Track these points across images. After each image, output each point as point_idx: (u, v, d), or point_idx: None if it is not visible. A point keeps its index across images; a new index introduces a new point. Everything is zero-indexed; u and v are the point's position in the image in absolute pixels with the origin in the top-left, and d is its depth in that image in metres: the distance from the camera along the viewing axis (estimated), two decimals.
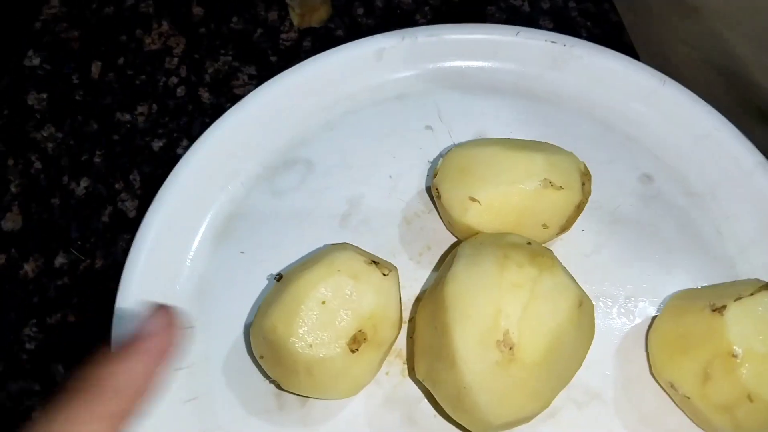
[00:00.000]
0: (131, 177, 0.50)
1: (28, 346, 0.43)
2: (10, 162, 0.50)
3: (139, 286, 0.41)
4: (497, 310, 0.31)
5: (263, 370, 0.38)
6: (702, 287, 0.39)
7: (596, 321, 0.40)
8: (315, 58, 0.49)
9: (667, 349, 0.36)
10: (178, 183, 0.44)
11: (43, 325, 0.44)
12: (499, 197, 0.38)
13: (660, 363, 0.36)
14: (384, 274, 0.36)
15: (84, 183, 0.50)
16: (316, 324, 0.35)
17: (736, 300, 0.34)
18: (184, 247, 0.44)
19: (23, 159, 0.50)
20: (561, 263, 0.35)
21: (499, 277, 0.32)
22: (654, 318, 0.40)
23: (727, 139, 0.44)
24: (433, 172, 0.42)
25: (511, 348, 0.31)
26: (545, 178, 0.38)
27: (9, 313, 0.44)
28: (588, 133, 0.47)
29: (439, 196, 0.40)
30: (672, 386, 0.36)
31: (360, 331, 0.35)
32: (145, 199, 0.44)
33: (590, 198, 0.43)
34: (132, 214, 0.48)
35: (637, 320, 0.40)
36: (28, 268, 0.46)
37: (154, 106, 0.53)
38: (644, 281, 0.42)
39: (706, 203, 0.44)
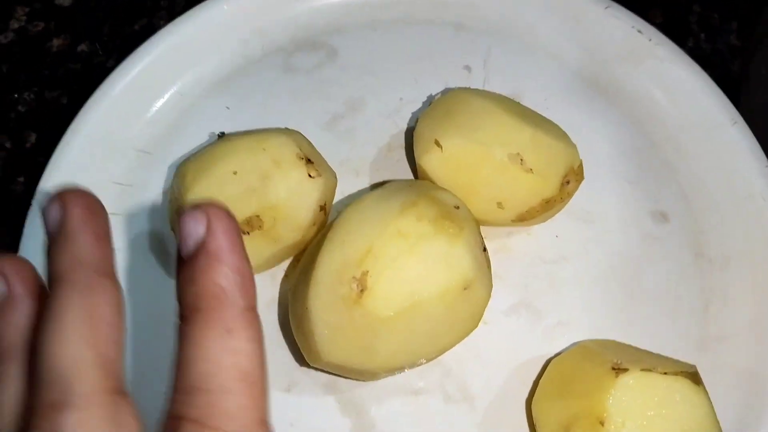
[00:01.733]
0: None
1: (20, 108, 0.46)
2: None
3: (119, 92, 0.42)
4: (369, 248, 0.29)
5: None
6: (636, 347, 0.33)
7: (514, 327, 0.36)
8: None
9: (552, 386, 0.32)
10: (201, 15, 0.44)
11: (40, 95, 0.46)
12: (462, 152, 0.34)
13: (538, 396, 0.32)
14: (310, 175, 0.34)
15: None
16: (218, 189, 0.33)
17: (642, 369, 0.29)
18: (177, 75, 0.43)
19: None
20: (476, 241, 0.31)
21: (391, 219, 0.29)
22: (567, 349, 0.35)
23: (766, 210, 0.37)
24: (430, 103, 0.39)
25: (362, 290, 0.28)
26: (518, 153, 0.33)
27: (20, 74, 0.47)
28: (625, 142, 0.41)
29: (414, 128, 0.37)
30: (534, 426, 0.32)
31: (257, 216, 0.34)
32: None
33: (585, 208, 0.38)
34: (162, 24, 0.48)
35: (554, 347, 0.36)
36: (55, 43, 0.48)
37: None
38: (589, 316, 0.37)
39: (712, 272, 0.38)
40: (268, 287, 0.37)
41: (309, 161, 0.35)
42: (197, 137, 0.42)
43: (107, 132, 0.41)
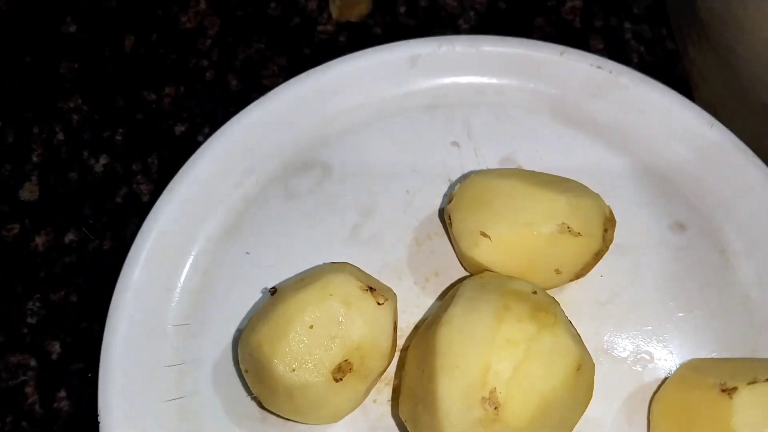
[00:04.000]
0: (149, 159, 0.49)
1: (29, 320, 0.43)
2: (36, 130, 0.50)
3: (141, 274, 0.41)
4: (487, 365, 0.30)
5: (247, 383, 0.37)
6: (719, 358, 0.36)
7: (602, 375, 0.38)
8: (347, 58, 0.48)
9: (669, 421, 0.34)
10: (194, 173, 0.44)
11: (46, 300, 0.44)
12: (512, 237, 0.36)
13: None
14: (379, 303, 0.35)
15: (103, 160, 0.49)
16: (302, 348, 0.33)
17: (749, 383, 0.31)
18: (190, 239, 0.43)
19: (48, 128, 0.50)
20: (565, 319, 0.33)
21: (495, 330, 0.30)
22: (662, 383, 0.37)
23: None
24: (448, 197, 0.40)
25: (496, 408, 0.29)
26: (563, 222, 0.35)
27: (16, 284, 0.45)
28: (623, 170, 0.44)
29: (450, 224, 0.39)
30: None
31: (346, 360, 0.34)
32: (161, 183, 0.43)
33: (615, 242, 0.41)
34: (146, 198, 0.48)
35: (646, 381, 0.38)
36: (39, 241, 0.46)
37: (182, 88, 0.52)
38: (659, 340, 0.39)
39: (740, 263, 0.41)
40: (362, 420, 0.38)
41: (372, 289, 0.35)
42: (230, 293, 0.41)
43: (141, 319, 0.40)
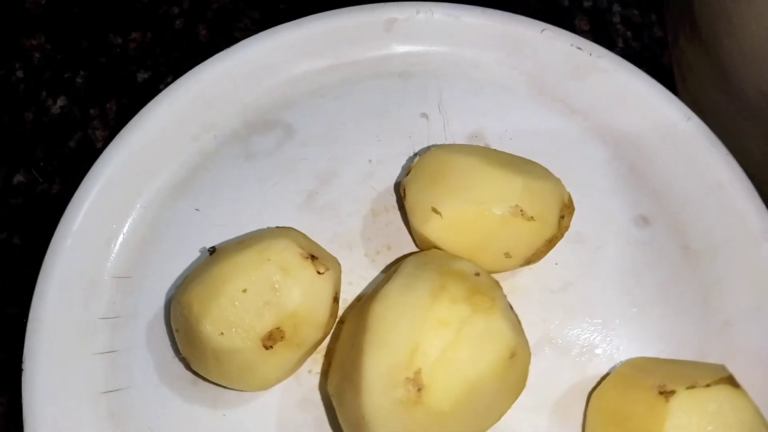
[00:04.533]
0: (108, 105, 0.47)
1: None
2: None
3: (83, 222, 0.39)
4: (415, 345, 0.29)
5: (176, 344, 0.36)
6: (663, 359, 0.35)
7: (545, 364, 0.37)
8: (320, 16, 0.46)
9: (604, 418, 0.33)
10: (149, 121, 0.42)
11: None
12: (463, 215, 0.34)
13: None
14: (319, 272, 0.34)
15: (61, 102, 0.47)
16: (233, 312, 0.32)
17: (688, 388, 0.30)
18: (139, 190, 0.41)
19: (8, 65, 0.48)
20: (504, 304, 0.31)
21: (427, 310, 0.29)
22: (603, 378, 0.36)
23: (739, 197, 0.40)
24: (407, 169, 0.39)
25: (419, 389, 0.28)
26: (516, 205, 0.34)
27: None
28: (592, 156, 0.43)
29: (404, 197, 0.37)
30: None
31: (278, 328, 0.33)
32: (117, 131, 0.42)
33: (574, 230, 0.39)
34: (100, 144, 0.46)
35: (588, 375, 0.37)
36: None
37: (149, 35, 0.50)
38: (608, 335, 0.38)
39: (701, 263, 0.40)
40: (295, 389, 0.37)
41: (314, 258, 0.34)
42: (176, 249, 0.40)
43: (80, 269, 0.39)
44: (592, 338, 0.38)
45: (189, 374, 0.37)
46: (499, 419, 0.31)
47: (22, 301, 0.38)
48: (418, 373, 0.28)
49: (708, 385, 0.30)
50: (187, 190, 0.42)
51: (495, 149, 0.38)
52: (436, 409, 0.28)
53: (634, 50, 0.49)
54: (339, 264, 0.36)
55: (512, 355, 0.30)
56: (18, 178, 0.45)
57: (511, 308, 0.32)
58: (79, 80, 0.48)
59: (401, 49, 0.46)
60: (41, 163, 0.45)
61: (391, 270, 0.34)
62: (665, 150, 0.42)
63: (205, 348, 0.33)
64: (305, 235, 0.36)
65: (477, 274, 0.32)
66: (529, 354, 0.32)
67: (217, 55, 0.44)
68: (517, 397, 0.32)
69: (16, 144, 0.46)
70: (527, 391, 0.35)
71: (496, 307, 0.30)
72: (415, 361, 0.28)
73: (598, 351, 0.38)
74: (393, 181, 0.42)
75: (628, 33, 0.50)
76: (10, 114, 0.47)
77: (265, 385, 0.35)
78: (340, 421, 0.32)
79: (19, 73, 0.48)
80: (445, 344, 0.28)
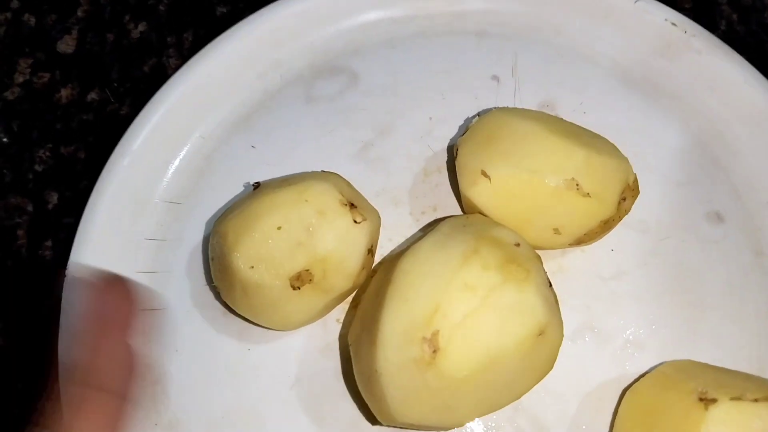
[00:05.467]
0: (185, 35, 0.48)
1: (36, 167, 0.44)
2: None
3: (142, 144, 0.40)
4: (437, 305, 0.27)
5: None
6: (710, 365, 0.32)
7: (582, 352, 0.35)
8: None
9: (636, 417, 0.31)
10: (218, 53, 0.42)
11: (56, 152, 0.44)
12: (513, 182, 0.32)
13: (622, 430, 0.31)
14: (356, 221, 0.33)
15: (141, 27, 0.48)
16: (264, 247, 0.32)
17: (732, 399, 0.27)
18: (199, 119, 0.42)
19: None
20: (542, 279, 0.29)
21: (455, 271, 0.28)
22: (642, 377, 0.34)
23: None
24: (464, 129, 0.37)
25: (434, 351, 0.27)
26: (573, 178, 0.32)
27: (33, 131, 0.45)
28: (669, 142, 0.40)
29: (456, 157, 0.35)
30: None
31: (307, 270, 0.32)
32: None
33: (638, 217, 0.37)
34: (171, 72, 0.46)
35: (626, 371, 0.35)
36: (64, 93, 0.46)
37: None
38: (656, 333, 0.35)
39: None
40: (320, 335, 0.36)
41: (352, 206, 0.33)
42: (227, 182, 0.40)
43: (133, 188, 0.39)
44: (638, 333, 0.35)
45: (219, 305, 0.37)
46: (517, 398, 0.30)
47: (78, 212, 0.40)
48: (435, 334, 0.27)
49: (756, 400, 0.27)
50: (246, 126, 0.42)
51: (561, 118, 0.36)
52: (450, 375, 0.27)
53: (737, 34, 0.45)
54: (379, 217, 0.35)
55: (540, 333, 0.28)
56: (92, 95, 0.46)
57: (550, 285, 0.30)
58: (161, 8, 0.49)
59: (480, 5, 0.44)
60: (115, 84, 0.47)
61: (429, 229, 0.33)
62: (752, 144, 0.38)
63: (235, 279, 0.33)
64: (349, 182, 0.35)
65: (517, 245, 0.30)
66: (561, 336, 0.30)
67: None
68: (540, 379, 0.30)
69: (95, 62, 0.47)
70: (559, 377, 0.34)
71: (530, 280, 0.28)
72: (434, 321, 0.27)
73: (642, 347, 0.35)
74: (450, 142, 0.41)
75: (734, 15, 0.45)
76: (94, 33, 0.48)
77: (290, 325, 0.34)
78: (355, 372, 0.31)
79: None
80: (468, 309, 0.27)
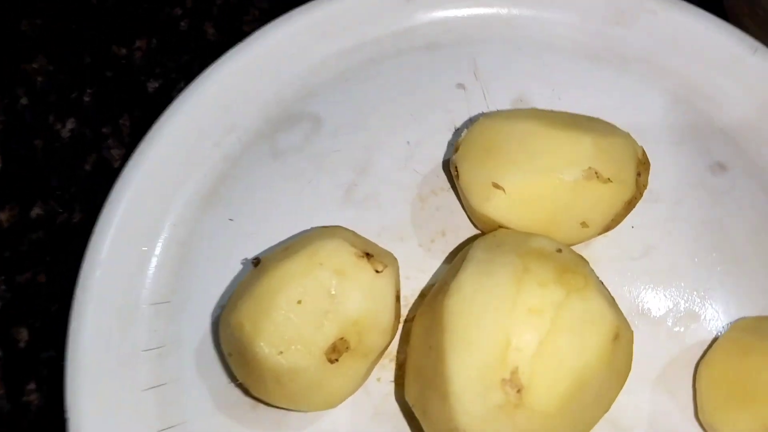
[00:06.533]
0: (121, 121, 0.44)
1: None
2: None
3: (111, 249, 0.36)
4: (506, 340, 0.25)
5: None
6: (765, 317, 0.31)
7: (637, 342, 0.33)
8: None
9: (722, 392, 0.29)
10: (166, 132, 0.39)
11: (11, 283, 0.40)
12: (530, 187, 0.31)
13: (709, 408, 0.29)
14: (377, 271, 0.30)
15: (70, 124, 0.44)
16: (289, 327, 0.29)
17: None
18: (166, 207, 0.38)
19: (10, 93, 0.45)
20: (597, 280, 0.28)
21: (514, 298, 0.25)
22: (709, 346, 0.32)
23: None
24: (455, 146, 0.35)
25: (519, 391, 0.25)
26: (590, 167, 0.30)
27: None
28: (652, 106, 0.39)
29: (457, 176, 0.33)
30: None
31: (341, 339, 0.29)
32: (133, 147, 0.38)
33: (648, 189, 0.35)
34: (117, 164, 0.43)
35: (688, 345, 0.33)
36: (3, 217, 0.42)
37: (154, 41, 0.47)
38: (702, 298, 0.34)
39: None
40: (366, 402, 0.33)
41: (369, 256, 0.30)
42: (214, 266, 0.37)
43: (113, 300, 0.36)
44: (685, 304, 0.34)
45: (247, 399, 0.34)
46: (608, 410, 0.28)
47: (57, 343, 0.35)
48: (515, 372, 0.25)
49: None
50: (218, 200, 0.39)
51: (551, 110, 0.34)
52: (541, 411, 0.25)
53: None
54: (395, 258, 0.32)
55: (616, 336, 0.26)
56: (36, 210, 0.42)
57: (602, 284, 0.28)
58: (86, 99, 0.45)
59: (425, 18, 0.42)
60: (58, 192, 0.42)
61: (457, 258, 0.31)
62: (732, 88, 0.38)
63: (263, 370, 0.29)
64: (354, 232, 0.33)
65: (559, 251, 0.28)
66: (632, 332, 0.28)
67: (228, 52, 0.41)
68: (625, 381, 0.28)
69: (29, 175, 0.43)
70: None
71: (590, 285, 0.26)
72: (509, 358, 0.25)
73: (696, 317, 0.34)
74: (437, 161, 0.39)
75: None
76: (19, 143, 0.44)
77: (333, 403, 0.31)
78: None
79: (24, 100, 0.45)
80: (541, 335, 0.25)
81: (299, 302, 0.29)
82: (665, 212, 0.36)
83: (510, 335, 0.25)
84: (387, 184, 0.38)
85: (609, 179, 0.30)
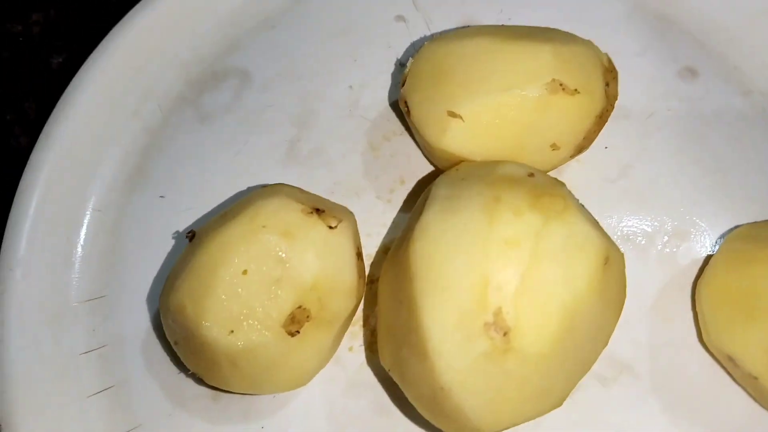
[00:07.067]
0: (26, 104, 0.39)
1: None
2: None
3: (28, 247, 0.32)
4: (484, 279, 0.21)
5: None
6: (754, 223, 0.29)
7: (630, 267, 0.30)
8: None
9: (725, 309, 0.27)
10: (75, 108, 0.34)
11: None
12: (490, 110, 0.27)
13: (715, 329, 0.27)
14: (331, 227, 0.26)
15: None
16: (237, 302, 0.25)
17: None
18: (86, 193, 0.34)
19: None
20: (577, 202, 0.24)
21: (487, 232, 0.22)
22: (705, 264, 0.30)
23: None
24: (401, 79, 0.31)
25: (505, 334, 0.21)
26: (554, 79, 0.27)
27: None
28: (611, 16, 0.36)
29: (408, 112, 0.30)
30: (731, 360, 0.26)
31: (300, 307, 0.26)
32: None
33: (616, 105, 0.32)
34: (25, 151, 0.38)
35: (682, 266, 0.31)
36: None
37: (51, 12, 0.41)
38: (691, 212, 0.32)
39: None
40: (338, 375, 0.30)
41: (319, 211, 0.27)
42: (148, 250, 0.33)
43: (40, 301, 0.31)
44: (672, 223, 0.31)
45: (206, 391, 0.30)
46: (607, 344, 0.25)
47: None
48: (498, 314, 0.21)
49: None
50: (144, 177, 0.34)
51: (502, 25, 0.31)
52: (533, 353, 0.21)
53: None
54: (351, 213, 0.29)
55: (606, 261, 0.23)
56: None
57: (583, 206, 0.25)
58: None
59: None
60: None
61: (418, 202, 0.27)
62: None
63: (215, 354, 0.25)
64: (299, 188, 0.29)
65: (531, 175, 0.25)
66: (622, 253, 0.25)
67: (134, 8, 0.36)
68: (620, 311, 0.25)
69: None
70: None
71: (570, 207, 0.23)
72: (489, 299, 0.21)
73: (686, 236, 0.31)
74: (384, 104, 0.35)
75: None
76: None
77: (302, 381, 0.28)
78: (411, 400, 0.25)
79: None
80: (522, 269, 0.21)
81: (245, 272, 0.25)
82: (638, 128, 0.33)
83: (488, 273, 0.21)
84: (333, 136, 0.34)
85: (576, 90, 0.27)
